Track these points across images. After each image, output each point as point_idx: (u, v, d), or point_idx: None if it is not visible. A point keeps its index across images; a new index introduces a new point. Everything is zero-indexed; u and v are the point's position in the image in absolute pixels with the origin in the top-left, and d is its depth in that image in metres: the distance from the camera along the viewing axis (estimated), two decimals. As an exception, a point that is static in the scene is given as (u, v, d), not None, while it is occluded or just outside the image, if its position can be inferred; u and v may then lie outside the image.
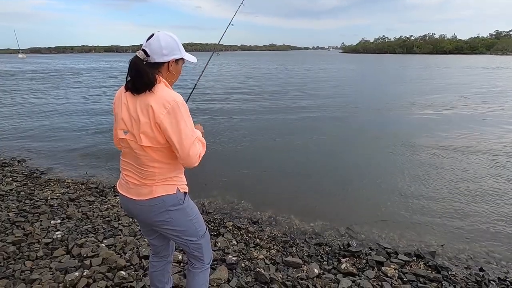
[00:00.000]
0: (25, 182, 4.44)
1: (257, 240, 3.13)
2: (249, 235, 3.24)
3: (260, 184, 4.73)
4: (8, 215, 3.27)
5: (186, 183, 1.52)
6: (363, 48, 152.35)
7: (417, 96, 13.24)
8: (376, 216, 3.73)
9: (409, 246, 3.14)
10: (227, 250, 2.82)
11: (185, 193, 1.47)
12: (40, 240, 2.80)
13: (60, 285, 2.18)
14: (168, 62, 1.36)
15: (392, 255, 2.93)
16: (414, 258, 2.90)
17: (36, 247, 2.69)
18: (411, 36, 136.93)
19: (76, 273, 2.26)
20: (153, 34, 1.34)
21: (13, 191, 4.06)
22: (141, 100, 1.29)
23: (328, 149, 6.43)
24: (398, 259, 2.83)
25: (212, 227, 3.34)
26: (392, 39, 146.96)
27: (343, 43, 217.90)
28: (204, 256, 1.60)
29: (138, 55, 1.32)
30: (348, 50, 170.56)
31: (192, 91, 2.19)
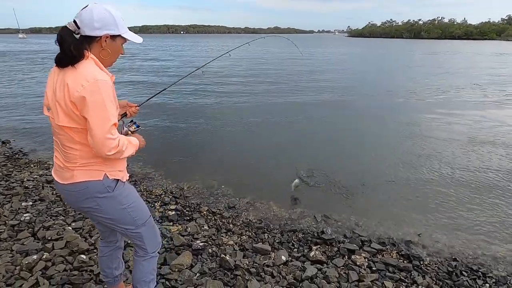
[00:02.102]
0: (4, 163, 4.39)
1: (230, 225, 3.08)
2: (223, 220, 3.19)
3: (244, 169, 4.64)
4: (-20, 197, 3.23)
5: (122, 169, 1.41)
6: (370, 32, 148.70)
7: (427, 82, 12.90)
8: (356, 204, 3.65)
9: (385, 234, 3.07)
10: (196, 235, 2.78)
11: (117, 180, 1.37)
12: (6, 222, 2.76)
13: (17, 268, 2.14)
14: (101, 37, 1.24)
15: (365, 243, 2.86)
16: (388, 246, 2.83)
17: (1, 229, 2.65)
18: (419, 20, 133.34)
19: (34, 256, 2.22)
20: (87, 5, 1.23)
21: (-9, 172, 4.01)
22: (63, 75, 1.19)
23: (320, 135, 6.28)
24: (371, 247, 2.77)
25: (187, 212, 3.29)
26: (400, 23, 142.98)
27: (349, 26, 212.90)
28: (146, 245, 1.54)
29: (67, 25, 1.20)
30: (354, 34, 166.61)
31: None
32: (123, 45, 1.36)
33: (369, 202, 3.70)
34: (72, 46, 1.17)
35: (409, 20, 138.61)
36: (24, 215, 2.89)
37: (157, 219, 3.05)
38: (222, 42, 66.55)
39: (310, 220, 3.31)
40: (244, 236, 2.88)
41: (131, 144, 1.36)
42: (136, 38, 1.39)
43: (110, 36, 1.26)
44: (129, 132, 1.59)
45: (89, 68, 1.20)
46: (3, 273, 2.07)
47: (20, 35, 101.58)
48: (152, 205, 3.37)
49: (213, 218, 3.20)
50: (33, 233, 2.61)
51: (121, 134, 1.61)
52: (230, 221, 3.18)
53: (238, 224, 3.14)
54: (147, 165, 4.62)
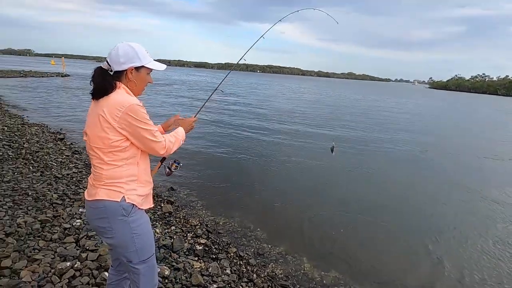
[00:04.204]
0: (81, 170, 5.10)
1: (254, 275, 2.89)
2: (248, 267, 3.01)
3: (286, 216, 4.40)
4: (52, 196, 3.76)
5: (142, 194, 1.47)
6: (456, 85, 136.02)
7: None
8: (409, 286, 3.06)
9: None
10: (215, 278, 2.67)
11: (133, 205, 1.42)
12: (61, 224, 3.11)
13: (51, 271, 2.34)
14: (127, 70, 1.41)
15: None
16: None
17: (55, 230, 2.99)
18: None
19: (68, 263, 2.41)
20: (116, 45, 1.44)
21: (69, 176, 4.68)
22: (99, 104, 1.37)
23: (385, 197, 5.52)
24: None
25: (215, 249, 3.22)
26: (495, 79, 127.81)
27: (431, 78, 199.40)
28: (141, 284, 1.50)
29: (102, 65, 1.43)
30: (437, 86, 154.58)
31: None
32: (149, 74, 1.51)
33: (424, 284, 3.07)
34: (101, 81, 1.37)
35: (507, 76, 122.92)
36: (77, 220, 3.23)
37: (185, 250, 3.06)
38: (295, 84, 68.80)
39: (344, 291, 2.88)
40: (264, 292, 2.65)
41: (177, 139, 1.60)
42: (159, 66, 1.52)
43: (135, 68, 1.42)
44: (172, 171, 1.85)
45: (122, 95, 1.37)
46: (40, 273, 2.29)
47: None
48: (185, 235, 3.42)
49: (238, 263, 3.06)
50: (76, 240, 2.87)
51: (166, 173, 1.85)
52: (254, 270, 2.99)
53: (262, 275, 2.92)
54: (193, 193, 4.81)
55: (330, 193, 5.40)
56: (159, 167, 1.86)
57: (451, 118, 20.75)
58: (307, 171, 6.51)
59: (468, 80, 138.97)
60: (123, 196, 1.40)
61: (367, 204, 5.01)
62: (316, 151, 8.18)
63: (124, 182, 1.41)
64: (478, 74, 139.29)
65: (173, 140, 1.56)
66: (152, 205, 1.62)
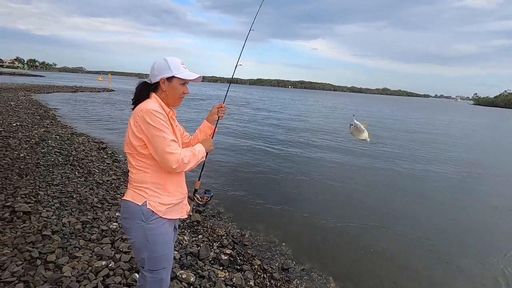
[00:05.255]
0: (119, 177, 5.47)
1: (277, 290, 2.85)
2: (272, 281, 2.99)
3: (312, 232, 4.31)
4: (93, 200, 4.07)
5: (166, 203, 1.49)
6: (505, 102, 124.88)
7: None
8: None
9: None
10: (239, 289, 2.68)
11: (152, 211, 1.45)
12: (100, 226, 3.35)
13: (89, 268, 2.52)
14: (159, 81, 1.52)
15: None
16: None
17: (94, 231, 3.22)
18: None
19: (103, 262, 2.58)
20: None
21: (108, 182, 5.04)
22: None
23: (426, 214, 5.23)
24: None
25: (239, 260, 3.25)
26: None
27: (476, 93, 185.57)
28: None
29: (147, 80, 1.57)
30: (483, 102, 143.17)
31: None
32: (185, 85, 1.56)
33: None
34: (137, 92, 1.53)
35: None
36: (113, 223, 3.46)
37: (210, 259, 3.12)
38: (329, 100, 67.96)
39: (372, 315, 2.73)
40: (287, 307, 2.60)
41: (194, 154, 1.51)
42: (189, 75, 1.52)
43: (166, 78, 1.51)
44: (202, 201, 1.87)
45: (147, 103, 1.48)
46: (78, 269, 2.48)
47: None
48: (211, 244, 3.49)
49: (262, 276, 3.05)
50: (112, 241, 3.07)
51: (199, 203, 1.84)
52: (278, 284, 2.96)
53: (286, 291, 2.88)
54: (221, 204, 4.90)
55: (362, 213, 5.16)
56: (193, 201, 1.84)
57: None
58: (339, 190, 6.33)
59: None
60: (145, 201, 1.44)
61: (403, 226, 4.73)
62: (350, 169, 7.95)
63: (147, 187, 1.46)
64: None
65: (188, 154, 1.46)
66: (185, 216, 1.63)
